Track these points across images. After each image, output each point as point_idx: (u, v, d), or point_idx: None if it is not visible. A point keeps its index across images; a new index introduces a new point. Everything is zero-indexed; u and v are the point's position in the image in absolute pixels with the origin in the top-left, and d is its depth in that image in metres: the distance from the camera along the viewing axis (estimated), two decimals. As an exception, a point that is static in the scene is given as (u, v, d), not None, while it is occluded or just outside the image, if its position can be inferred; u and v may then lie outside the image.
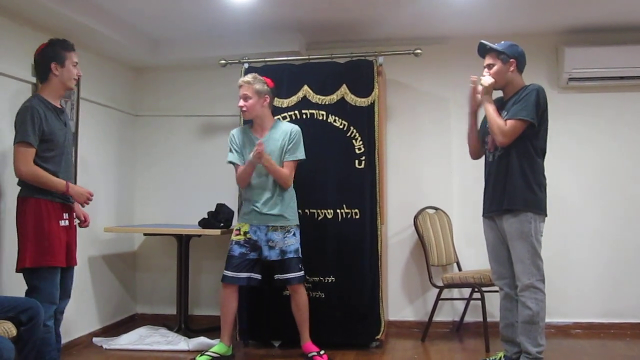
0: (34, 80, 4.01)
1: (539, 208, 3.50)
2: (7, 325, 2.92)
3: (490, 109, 3.55)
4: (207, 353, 4.06)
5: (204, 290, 5.29)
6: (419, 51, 4.61)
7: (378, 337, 4.36)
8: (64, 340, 4.31)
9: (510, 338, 3.67)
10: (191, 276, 5.05)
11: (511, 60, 3.56)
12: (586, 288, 4.91)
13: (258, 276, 4.12)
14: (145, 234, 5.27)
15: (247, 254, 4.06)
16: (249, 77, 4.10)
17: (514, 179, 3.48)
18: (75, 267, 4.49)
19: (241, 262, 4.05)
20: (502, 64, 3.57)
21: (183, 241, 4.91)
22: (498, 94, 3.70)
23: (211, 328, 4.92)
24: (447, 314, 5.03)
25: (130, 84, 5.45)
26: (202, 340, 4.43)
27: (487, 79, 3.58)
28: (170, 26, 4.74)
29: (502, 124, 3.46)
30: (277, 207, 4.04)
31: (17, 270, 3.34)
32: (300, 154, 4.10)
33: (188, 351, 4.34)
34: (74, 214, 3.55)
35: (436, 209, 4.98)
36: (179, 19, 4.57)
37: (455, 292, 4.94)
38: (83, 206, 3.56)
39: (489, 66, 3.61)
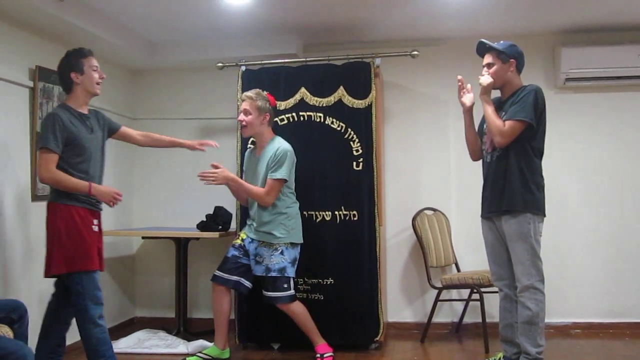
0: (31, 84, 4.02)
1: (538, 209, 3.49)
2: (4, 329, 3.02)
3: (489, 110, 3.54)
4: (198, 354, 4.10)
5: (203, 293, 5.27)
6: (415, 53, 4.60)
7: (377, 338, 4.35)
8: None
9: (509, 338, 3.66)
10: (190, 279, 5.04)
11: (511, 60, 3.55)
12: (585, 288, 4.92)
13: (248, 284, 4.12)
14: (143, 237, 5.26)
15: (240, 257, 4.09)
16: (251, 93, 4.08)
17: (513, 179, 3.47)
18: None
19: (233, 265, 4.08)
20: (501, 63, 3.56)
21: (181, 244, 4.91)
22: (496, 93, 3.71)
23: (210, 331, 4.88)
24: (446, 315, 5.03)
25: (128, 86, 5.45)
26: (201, 343, 4.43)
27: (485, 79, 3.56)
28: (167, 29, 4.74)
29: (500, 125, 3.45)
30: (265, 225, 4.04)
31: (49, 275, 3.40)
32: (280, 174, 3.97)
33: (187, 354, 4.33)
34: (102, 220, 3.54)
35: (434, 210, 4.98)
36: (177, 22, 4.58)
37: (454, 293, 4.94)
38: (111, 206, 3.48)
39: (489, 65, 3.59)
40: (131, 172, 5.44)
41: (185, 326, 4.90)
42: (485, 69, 3.61)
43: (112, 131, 3.76)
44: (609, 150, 4.97)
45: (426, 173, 5.12)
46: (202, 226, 4.68)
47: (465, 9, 4.35)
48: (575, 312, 4.91)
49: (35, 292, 4.04)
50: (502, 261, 3.63)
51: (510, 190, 3.47)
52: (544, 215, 3.53)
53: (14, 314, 3.12)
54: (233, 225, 4.72)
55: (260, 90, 4.13)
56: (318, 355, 4.05)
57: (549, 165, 4.92)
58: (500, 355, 3.77)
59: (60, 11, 3.84)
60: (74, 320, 3.61)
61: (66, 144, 3.31)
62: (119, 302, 5.21)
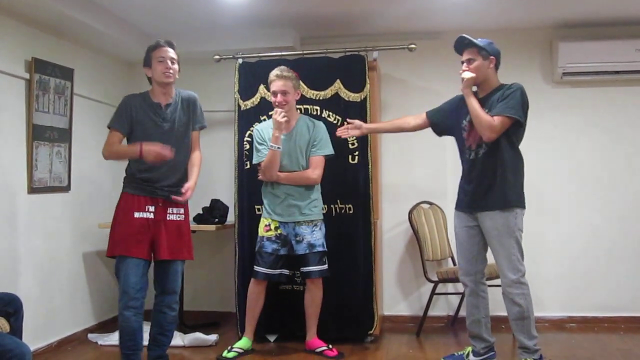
0: (27, 76, 4.01)
1: (523, 204, 3.55)
2: (1, 321, 3.06)
3: (474, 104, 3.52)
4: (234, 349, 4.09)
5: (199, 286, 5.28)
6: (413, 46, 4.60)
7: (371, 332, 4.37)
8: (58, 337, 4.35)
9: (477, 334, 3.71)
10: (186, 272, 5.01)
11: (491, 57, 3.56)
12: (580, 282, 4.93)
13: (287, 272, 4.16)
14: (140, 230, 5.25)
15: (279, 249, 4.07)
16: (285, 72, 4.04)
17: (504, 176, 3.49)
18: (69, 263, 4.53)
19: (275, 259, 4.08)
20: (482, 59, 3.55)
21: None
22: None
23: (206, 324, 4.92)
24: (442, 308, 5.04)
25: (124, 79, 5.43)
26: (198, 335, 4.44)
27: (468, 73, 3.57)
28: (164, 21, 4.72)
29: (491, 120, 3.44)
30: (310, 203, 4.07)
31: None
32: (329, 150, 4.13)
33: (183, 347, 4.35)
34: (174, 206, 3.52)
35: (431, 203, 4.99)
36: (173, 14, 4.56)
37: (450, 287, 4.95)
38: (157, 165, 3.38)
39: (469, 61, 3.58)
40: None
41: (181, 319, 4.87)
42: (465, 64, 3.60)
43: (193, 126, 3.67)
44: (606, 144, 4.96)
45: (423, 166, 5.12)
46: (198, 219, 4.68)
47: (462, 3, 4.34)
48: (571, 306, 4.92)
49: (31, 285, 4.04)
50: (471, 257, 3.67)
51: (502, 187, 3.49)
52: (525, 208, 3.59)
53: (9, 307, 3.14)
54: (230, 218, 4.72)
55: (286, 67, 4.13)
56: (324, 348, 4.07)
57: (545, 159, 4.97)
58: (469, 349, 3.80)
59: (57, 3, 3.83)
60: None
61: (131, 129, 3.42)
62: (115, 294, 5.12)
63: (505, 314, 3.61)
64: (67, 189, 4.45)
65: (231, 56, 4.71)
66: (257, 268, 4.10)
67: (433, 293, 4.63)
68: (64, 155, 4.39)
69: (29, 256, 4.06)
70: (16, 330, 3.14)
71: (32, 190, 4.06)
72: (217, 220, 4.65)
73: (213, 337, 4.45)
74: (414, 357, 4.17)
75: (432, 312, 4.79)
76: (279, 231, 4.07)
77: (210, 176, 5.11)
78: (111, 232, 3.47)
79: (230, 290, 4.78)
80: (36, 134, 4.07)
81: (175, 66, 3.51)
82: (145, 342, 3.82)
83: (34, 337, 3.86)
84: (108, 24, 4.44)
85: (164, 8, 4.44)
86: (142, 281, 3.40)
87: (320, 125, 4.18)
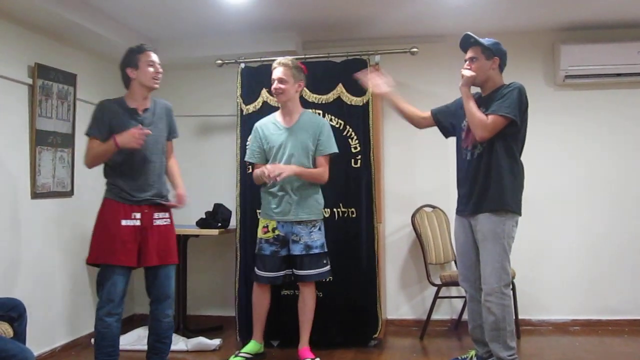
0: (30, 81, 4.02)
1: (516, 209, 3.44)
2: (4, 326, 3.07)
3: (470, 103, 3.45)
4: (240, 354, 4.05)
5: (202, 290, 5.28)
6: (415, 50, 4.60)
7: (375, 336, 4.36)
8: (62, 342, 4.34)
9: (479, 338, 3.65)
10: (189, 276, 5.04)
11: (495, 57, 3.49)
12: (584, 285, 4.92)
13: (290, 271, 4.06)
14: (143, 235, 5.26)
15: (278, 251, 3.99)
16: (287, 60, 4.01)
17: (500, 178, 3.39)
18: (72, 268, 4.53)
19: (275, 262, 3.99)
20: (485, 59, 3.49)
21: (181, 241, 4.89)
22: (475, 89, 3.66)
23: (210, 328, 4.92)
24: (445, 312, 5.04)
25: (127, 84, 5.43)
26: (201, 340, 4.43)
27: (468, 72, 3.50)
28: (166, 26, 4.74)
29: (484, 118, 3.37)
30: (308, 202, 3.96)
31: (87, 264, 3.52)
32: (335, 148, 4.03)
33: (187, 351, 4.35)
34: (160, 213, 3.51)
35: (433, 207, 4.99)
36: (175, 19, 4.57)
37: (454, 290, 4.94)
38: (139, 150, 3.34)
39: (472, 59, 3.51)
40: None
41: (184, 323, 4.89)
42: (467, 63, 3.54)
43: (169, 135, 3.66)
44: (609, 147, 4.96)
45: (425, 170, 5.11)
46: (201, 223, 4.68)
47: (464, 6, 4.35)
48: (574, 309, 4.91)
49: (34, 290, 4.05)
50: (470, 263, 3.58)
51: (496, 189, 3.39)
52: (520, 215, 3.47)
53: (13, 312, 3.15)
54: (233, 222, 4.72)
55: (293, 58, 4.09)
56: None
57: (547, 161, 4.96)
58: (473, 353, 3.78)
59: (60, 8, 3.84)
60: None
61: (108, 136, 3.34)
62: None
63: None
64: (70, 194, 4.46)
65: (233, 61, 4.72)
66: (258, 272, 4.04)
67: (436, 297, 4.62)
68: (67, 160, 4.40)
69: (32, 261, 4.07)
70: (20, 335, 3.14)
71: (35, 195, 4.07)
72: (220, 224, 4.65)
73: (216, 342, 4.44)
74: (417, 361, 4.17)
75: (435, 316, 4.78)
76: (276, 232, 3.98)
77: (213, 180, 5.13)
78: (95, 239, 3.40)
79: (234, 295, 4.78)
80: (39, 139, 4.08)
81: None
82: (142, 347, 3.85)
83: (37, 342, 3.86)
84: (111, 29, 4.45)
85: (167, 13, 4.45)
86: (126, 289, 3.45)
87: (325, 123, 4.09)
